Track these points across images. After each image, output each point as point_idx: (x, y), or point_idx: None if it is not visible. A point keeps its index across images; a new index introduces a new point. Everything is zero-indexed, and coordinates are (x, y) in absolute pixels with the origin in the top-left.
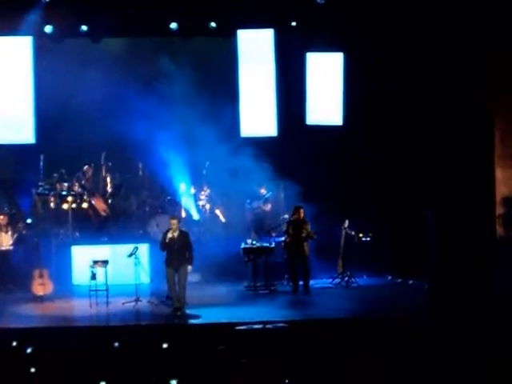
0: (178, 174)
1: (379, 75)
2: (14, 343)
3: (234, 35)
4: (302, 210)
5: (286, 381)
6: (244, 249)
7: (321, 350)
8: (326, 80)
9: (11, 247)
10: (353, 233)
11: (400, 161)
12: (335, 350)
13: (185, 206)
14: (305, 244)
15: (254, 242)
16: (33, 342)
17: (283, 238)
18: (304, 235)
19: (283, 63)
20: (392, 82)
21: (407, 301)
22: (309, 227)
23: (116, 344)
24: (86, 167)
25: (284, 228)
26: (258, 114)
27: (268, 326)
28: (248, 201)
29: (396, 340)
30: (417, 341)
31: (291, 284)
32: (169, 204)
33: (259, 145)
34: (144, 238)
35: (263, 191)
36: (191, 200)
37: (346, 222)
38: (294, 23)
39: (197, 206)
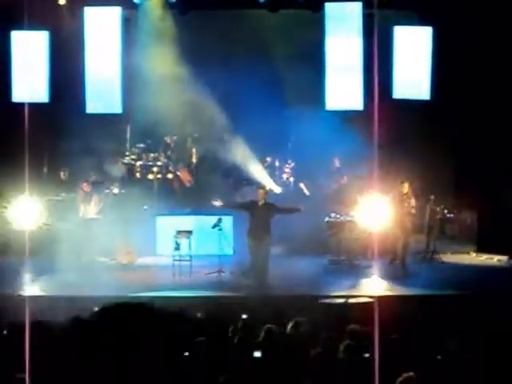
0: (263, 147)
1: (469, 50)
2: (96, 309)
3: (322, 8)
4: (406, 184)
5: (366, 355)
6: (327, 222)
7: (405, 326)
8: (413, 54)
9: (97, 216)
10: (438, 209)
11: (486, 138)
12: (420, 327)
13: (269, 178)
14: (407, 218)
15: (338, 216)
16: (117, 310)
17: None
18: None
19: (370, 37)
20: (482, 58)
21: (492, 278)
22: (413, 201)
23: (199, 314)
24: (170, 138)
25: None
26: (344, 88)
27: (351, 299)
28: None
29: (484, 319)
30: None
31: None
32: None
33: (345, 118)
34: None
35: (336, 164)
36: (276, 172)
37: (432, 197)
38: None
39: (281, 178)
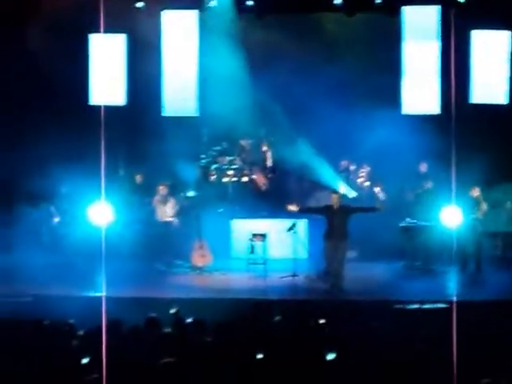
0: (337, 151)
1: None
2: (173, 311)
3: (398, 12)
4: (477, 189)
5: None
6: (403, 227)
7: (481, 332)
8: (491, 58)
9: (172, 219)
10: None
11: None
12: (495, 333)
13: (344, 182)
14: (479, 223)
15: (413, 221)
16: (192, 312)
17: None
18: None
19: (447, 40)
20: None
21: None
22: (484, 206)
23: (277, 318)
24: (245, 141)
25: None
26: (421, 91)
27: (427, 305)
28: (407, 179)
29: None
30: None
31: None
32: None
33: (421, 122)
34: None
35: (423, 169)
36: (350, 177)
37: (508, 203)
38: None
39: (356, 182)
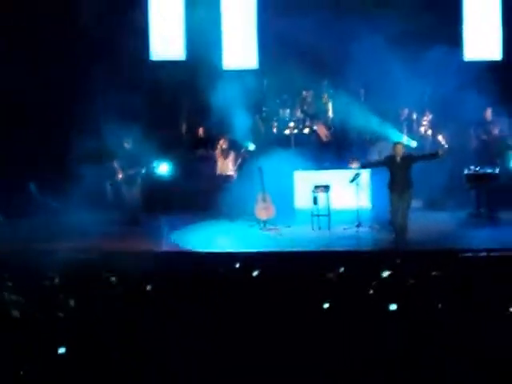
0: (399, 100)
1: None
2: (238, 265)
3: None
4: None
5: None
6: (467, 175)
7: None
8: None
9: (234, 173)
10: None
11: None
12: None
13: (406, 131)
14: None
15: (478, 169)
16: (258, 265)
17: None
18: None
19: None
20: None
21: None
22: None
23: (341, 269)
24: (307, 92)
25: None
26: (483, 38)
27: (493, 253)
28: (471, 127)
29: None
30: None
31: None
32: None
33: (483, 68)
34: None
35: (489, 116)
36: (412, 125)
37: None
38: None
39: (418, 131)
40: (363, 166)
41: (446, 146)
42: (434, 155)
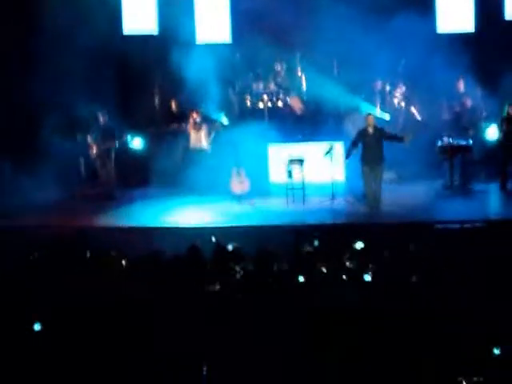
0: (372, 72)
1: None
2: (214, 239)
3: None
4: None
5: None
6: (440, 147)
7: None
8: None
9: (208, 146)
10: None
11: None
12: None
13: (379, 103)
14: None
15: (451, 140)
16: (233, 239)
17: (496, 136)
18: None
19: None
20: None
21: None
22: None
23: (316, 243)
24: (278, 66)
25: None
26: (455, 9)
27: (466, 225)
28: (444, 98)
29: None
30: None
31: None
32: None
33: (456, 40)
34: (339, 135)
35: (461, 88)
36: (386, 97)
37: None
38: None
39: (392, 103)
40: (348, 153)
41: (419, 118)
42: (400, 139)
